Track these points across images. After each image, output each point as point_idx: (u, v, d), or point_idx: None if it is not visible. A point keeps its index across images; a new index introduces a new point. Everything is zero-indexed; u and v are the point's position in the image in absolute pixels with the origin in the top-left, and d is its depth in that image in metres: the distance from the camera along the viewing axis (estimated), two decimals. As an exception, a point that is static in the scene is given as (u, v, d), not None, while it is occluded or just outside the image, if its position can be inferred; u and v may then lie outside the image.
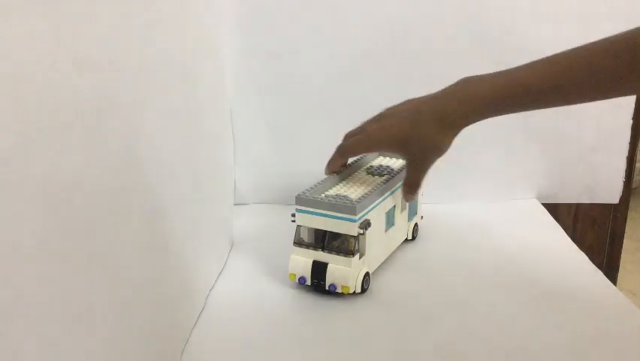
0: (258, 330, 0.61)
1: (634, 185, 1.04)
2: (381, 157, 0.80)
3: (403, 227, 0.75)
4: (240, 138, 0.90)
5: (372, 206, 0.64)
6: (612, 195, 0.97)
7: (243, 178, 0.92)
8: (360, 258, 0.63)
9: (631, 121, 0.93)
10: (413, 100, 0.64)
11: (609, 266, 1.04)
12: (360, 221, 0.62)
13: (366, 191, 0.66)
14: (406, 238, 0.77)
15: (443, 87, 0.62)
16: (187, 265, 0.59)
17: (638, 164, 1.18)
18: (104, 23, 0.40)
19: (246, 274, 0.71)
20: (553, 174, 0.95)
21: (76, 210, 0.35)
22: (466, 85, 0.60)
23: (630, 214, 1.02)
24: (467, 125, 0.60)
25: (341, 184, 0.70)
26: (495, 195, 0.94)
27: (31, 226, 0.31)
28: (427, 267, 0.73)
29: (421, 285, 0.68)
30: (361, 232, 0.62)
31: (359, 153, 0.69)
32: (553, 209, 0.95)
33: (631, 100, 0.92)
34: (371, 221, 0.63)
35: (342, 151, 0.67)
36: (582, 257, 0.76)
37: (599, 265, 0.74)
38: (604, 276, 0.71)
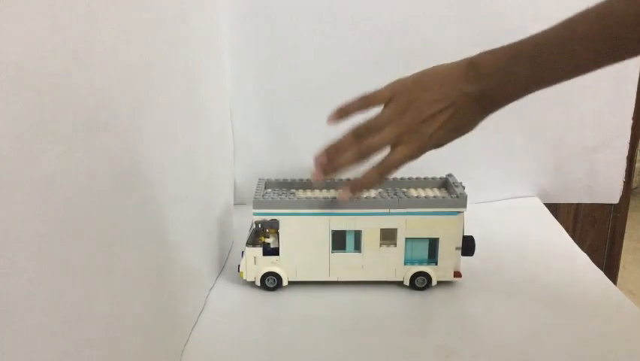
0: (258, 330, 0.61)
1: (634, 185, 1.05)
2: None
3: (382, 263, 0.67)
4: (240, 138, 0.90)
5: (290, 210, 0.65)
6: (612, 195, 0.98)
7: (243, 178, 0.92)
8: (263, 254, 0.66)
9: (631, 121, 0.93)
10: (433, 71, 0.60)
11: (609, 266, 1.04)
12: (262, 217, 0.65)
13: (311, 196, 0.67)
14: (402, 283, 0.68)
15: None
16: (187, 265, 0.59)
17: (638, 164, 1.18)
18: (105, 23, 0.40)
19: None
20: (554, 173, 0.95)
21: (76, 210, 0.35)
22: (482, 57, 0.58)
23: (630, 214, 1.03)
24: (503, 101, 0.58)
25: (320, 190, 0.70)
26: (495, 195, 0.94)
27: (31, 225, 0.31)
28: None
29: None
30: (256, 227, 0.65)
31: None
32: (554, 209, 0.95)
33: (631, 100, 0.92)
34: (282, 224, 0.65)
35: (384, 170, 0.59)
36: (583, 257, 0.76)
37: (599, 265, 0.74)
38: (604, 276, 0.71)
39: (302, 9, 0.85)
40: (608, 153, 0.94)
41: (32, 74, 0.31)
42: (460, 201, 0.65)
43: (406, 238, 0.66)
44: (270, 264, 0.67)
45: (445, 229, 0.66)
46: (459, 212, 0.65)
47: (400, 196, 0.65)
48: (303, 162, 0.76)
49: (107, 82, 0.40)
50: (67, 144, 0.34)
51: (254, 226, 0.66)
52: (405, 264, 0.67)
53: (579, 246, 0.79)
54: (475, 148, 0.92)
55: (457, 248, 0.66)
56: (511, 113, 0.93)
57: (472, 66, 0.58)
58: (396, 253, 0.66)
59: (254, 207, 0.65)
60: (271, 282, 0.67)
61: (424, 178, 0.70)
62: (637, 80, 0.91)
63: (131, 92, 0.45)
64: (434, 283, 0.67)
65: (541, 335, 0.59)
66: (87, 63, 0.37)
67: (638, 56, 0.51)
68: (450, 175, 0.71)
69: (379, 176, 0.59)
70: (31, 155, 0.31)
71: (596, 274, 0.72)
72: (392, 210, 0.64)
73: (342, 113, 0.60)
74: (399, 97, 0.59)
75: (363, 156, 0.58)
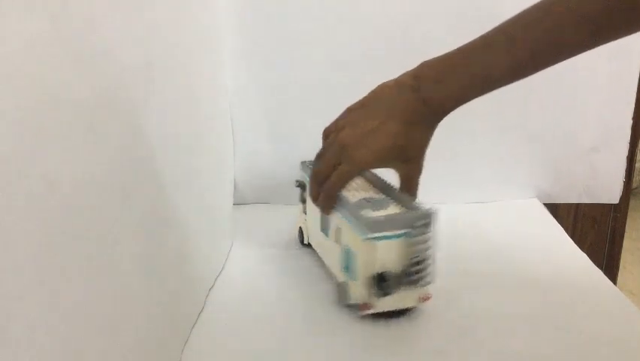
0: (258, 330, 0.61)
1: (634, 185, 1.05)
2: None
3: (334, 258, 0.64)
4: (240, 137, 0.90)
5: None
6: (612, 195, 0.97)
7: (243, 178, 0.92)
8: (303, 210, 0.76)
9: (631, 121, 0.93)
10: (370, 101, 0.62)
11: (609, 266, 1.04)
12: (301, 179, 0.75)
13: None
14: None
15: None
16: (187, 265, 0.59)
17: (638, 164, 1.18)
18: (105, 23, 0.40)
19: (245, 275, 0.71)
20: (554, 174, 0.95)
21: (76, 210, 0.35)
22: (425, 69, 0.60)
23: (630, 214, 1.03)
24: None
25: None
26: (495, 195, 0.94)
27: (31, 225, 0.31)
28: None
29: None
30: (296, 184, 0.76)
31: (345, 185, 0.61)
32: (554, 209, 0.95)
33: (631, 100, 0.92)
34: (308, 190, 0.70)
35: (329, 192, 0.61)
36: (583, 257, 0.76)
37: (599, 265, 0.74)
38: (604, 276, 0.71)
39: (302, 9, 0.85)
40: (608, 153, 0.94)
41: (32, 74, 0.31)
42: (367, 226, 0.55)
43: (343, 241, 0.62)
44: (303, 221, 0.76)
45: (357, 247, 0.57)
46: (367, 238, 0.55)
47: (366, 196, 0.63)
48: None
49: (107, 82, 0.40)
50: (67, 143, 0.34)
51: (296, 183, 0.76)
52: (342, 268, 0.62)
53: (579, 246, 0.79)
54: (475, 148, 0.92)
55: (367, 277, 0.57)
56: (511, 113, 0.93)
57: (415, 78, 0.60)
58: (337, 252, 0.63)
59: (301, 169, 0.75)
60: (300, 236, 0.77)
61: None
62: (637, 80, 0.91)
63: (131, 92, 0.45)
64: (348, 299, 0.60)
65: (540, 335, 0.59)
66: (87, 63, 0.37)
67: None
68: (431, 209, 0.58)
69: (326, 200, 0.62)
70: (31, 155, 0.31)
71: (596, 274, 0.72)
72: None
73: None
74: (339, 122, 0.62)
75: (320, 185, 0.62)
